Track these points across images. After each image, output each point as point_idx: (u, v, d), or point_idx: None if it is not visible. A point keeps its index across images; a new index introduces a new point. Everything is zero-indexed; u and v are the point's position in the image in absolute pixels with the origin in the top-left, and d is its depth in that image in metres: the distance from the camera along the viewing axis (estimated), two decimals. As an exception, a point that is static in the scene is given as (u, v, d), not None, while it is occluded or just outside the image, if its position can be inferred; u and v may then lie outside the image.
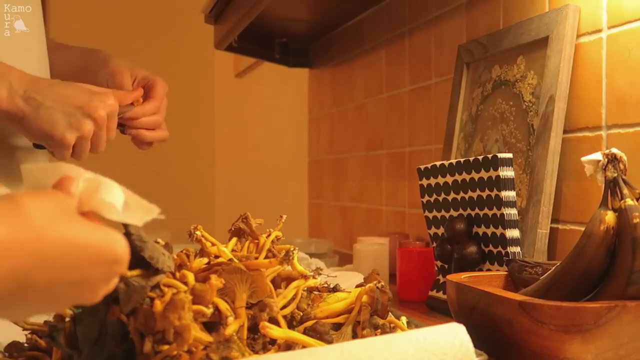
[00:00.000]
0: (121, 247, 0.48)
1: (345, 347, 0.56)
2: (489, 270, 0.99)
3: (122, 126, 1.02)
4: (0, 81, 0.86)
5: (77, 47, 1.18)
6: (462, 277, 0.81)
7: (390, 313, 0.72)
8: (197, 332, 0.57)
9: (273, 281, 0.69)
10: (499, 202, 0.96)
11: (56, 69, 1.11)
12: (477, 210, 1.01)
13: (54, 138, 0.90)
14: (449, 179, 1.06)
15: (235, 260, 0.67)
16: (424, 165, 1.13)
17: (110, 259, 0.47)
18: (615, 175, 0.70)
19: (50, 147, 0.93)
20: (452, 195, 1.06)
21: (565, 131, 1.02)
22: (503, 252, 0.97)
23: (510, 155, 0.97)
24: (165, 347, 0.55)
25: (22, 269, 0.43)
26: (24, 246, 0.43)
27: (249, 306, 0.62)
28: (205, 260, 0.67)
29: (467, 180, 1.02)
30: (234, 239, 0.75)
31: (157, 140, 1.07)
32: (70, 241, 0.46)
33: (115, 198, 0.51)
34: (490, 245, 0.99)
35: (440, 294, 1.09)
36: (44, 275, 0.44)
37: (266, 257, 0.72)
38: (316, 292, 0.72)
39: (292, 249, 0.71)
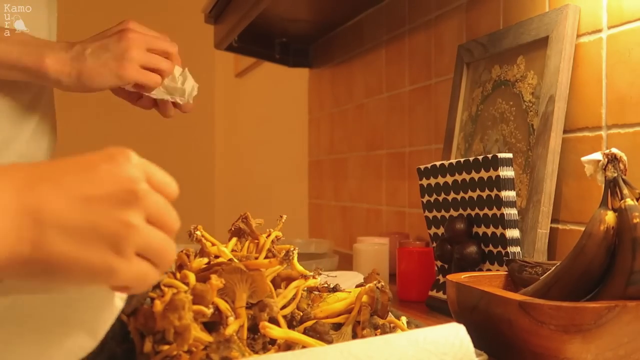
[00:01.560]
0: (131, 155, 0.47)
1: (345, 347, 0.56)
2: (489, 270, 0.99)
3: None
4: None
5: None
6: (462, 277, 0.81)
7: (390, 313, 0.72)
8: (197, 332, 0.57)
9: (273, 281, 0.69)
10: (499, 202, 0.96)
11: None
12: (477, 210, 1.01)
13: None
14: (449, 179, 1.06)
15: (235, 260, 0.67)
16: (424, 165, 1.13)
17: (120, 158, 0.45)
18: (615, 175, 0.70)
19: None
20: (452, 195, 1.06)
21: (565, 131, 1.02)
22: (503, 252, 0.97)
23: (510, 155, 0.97)
24: (166, 347, 0.55)
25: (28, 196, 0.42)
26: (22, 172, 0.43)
27: (249, 306, 0.62)
28: (205, 260, 0.67)
29: (467, 180, 1.02)
30: (234, 239, 0.75)
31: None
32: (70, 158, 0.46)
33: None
34: (490, 245, 0.99)
35: (440, 294, 1.09)
36: (53, 193, 0.43)
37: (266, 257, 0.72)
38: (316, 292, 0.72)
39: (292, 249, 0.71)
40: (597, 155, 0.71)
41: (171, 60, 0.98)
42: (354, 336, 0.67)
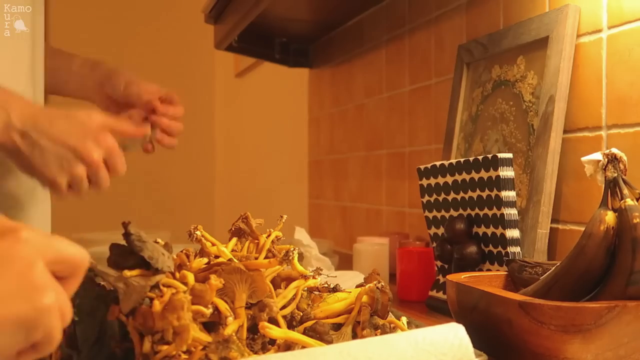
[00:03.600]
0: None
1: (344, 348, 0.55)
2: (489, 270, 0.99)
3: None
4: None
5: (79, 55, 1.18)
6: (462, 277, 0.80)
7: (390, 313, 0.72)
8: (196, 333, 0.57)
9: (273, 281, 0.69)
10: (499, 202, 0.96)
11: (53, 75, 1.12)
12: (477, 210, 1.01)
13: (45, 178, 0.90)
14: (449, 179, 1.06)
15: (235, 260, 0.67)
16: (424, 165, 1.13)
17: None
18: (615, 175, 0.70)
19: (43, 185, 0.93)
20: (452, 195, 1.06)
21: (565, 131, 1.02)
22: (503, 252, 0.97)
23: (510, 155, 0.97)
24: (165, 347, 0.55)
25: None
26: None
27: (249, 306, 0.62)
28: (205, 260, 0.67)
29: (467, 180, 1.02)
30: (234, 239, 0.75)
31: (167, 146, 1.11)
32: None
33: None
34: (490, 245, 0.99)
35: (440, 294, 1.09)
36: None
37: (266, 257, 0.72)
38: (316, 292, 0.72)
39: (292, 249, 0.71)
40: (597, 155, 0.71)
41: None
42: (354, 336, 0.67)
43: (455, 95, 1.29)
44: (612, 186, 0.70)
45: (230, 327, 0.59)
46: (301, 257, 0.72)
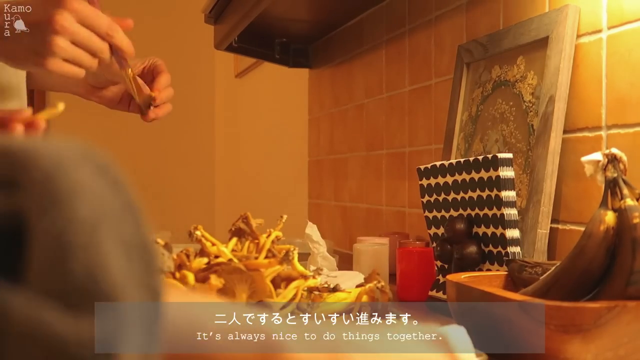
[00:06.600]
0: None
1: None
2: (489, 270, 0.99)
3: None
4: None
5: None
6: (462, 277, 0.81)
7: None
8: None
9: (273, 281, 0.69)
10: (499, 202, 0.96)
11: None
12: (477, 210, 1.01)
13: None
14: (449, 179, 1.06)
15: (235, 260, 0.67)
16: (424, 165, 1.13)
17: None
18: (615, 175, 0.70)
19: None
20: (452, 195, 1.06)
21: (565, 131, 1.02)
22: (503, 252, 0.97)
23: (510, 155, 0.97)
24: (165, 347, 0.55)
25: None
26: None
27: (249, 306, 0.62)
28: (205, 260, 0.67)
29: (467, 180, 1.02)
30: (234, 239, 0.75)
31: (164, 112, 1.06)
32: None
33: None
34: (490, 245, 0.99)
35: (440, 294, 1.09)
36: None
37: (266, 257, 0.72)
38: (316, 292, 0.72)
39: (292, 249, 0.71)
40: (597, 156, 0.71)
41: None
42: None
43: (455, 95, 1.29)
44: (612, 186, 0.70)
45: (231, 327, 0.59)
46: (305, 256, 0.72)
